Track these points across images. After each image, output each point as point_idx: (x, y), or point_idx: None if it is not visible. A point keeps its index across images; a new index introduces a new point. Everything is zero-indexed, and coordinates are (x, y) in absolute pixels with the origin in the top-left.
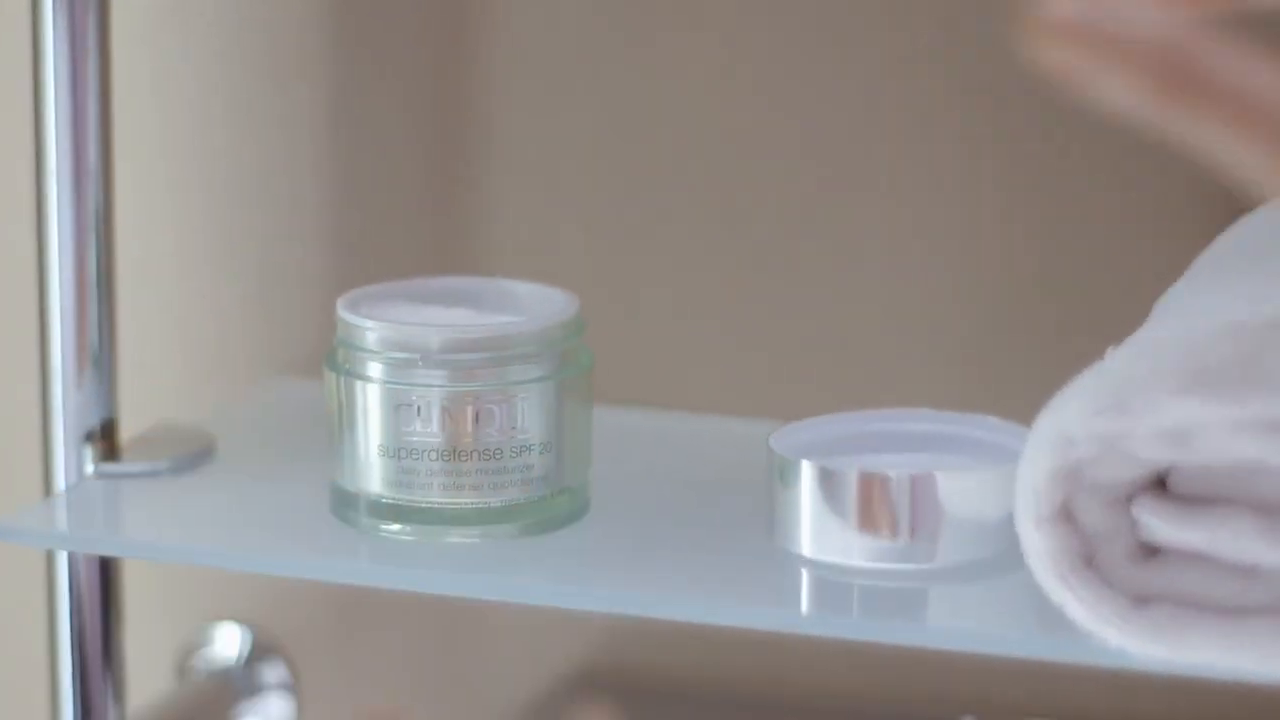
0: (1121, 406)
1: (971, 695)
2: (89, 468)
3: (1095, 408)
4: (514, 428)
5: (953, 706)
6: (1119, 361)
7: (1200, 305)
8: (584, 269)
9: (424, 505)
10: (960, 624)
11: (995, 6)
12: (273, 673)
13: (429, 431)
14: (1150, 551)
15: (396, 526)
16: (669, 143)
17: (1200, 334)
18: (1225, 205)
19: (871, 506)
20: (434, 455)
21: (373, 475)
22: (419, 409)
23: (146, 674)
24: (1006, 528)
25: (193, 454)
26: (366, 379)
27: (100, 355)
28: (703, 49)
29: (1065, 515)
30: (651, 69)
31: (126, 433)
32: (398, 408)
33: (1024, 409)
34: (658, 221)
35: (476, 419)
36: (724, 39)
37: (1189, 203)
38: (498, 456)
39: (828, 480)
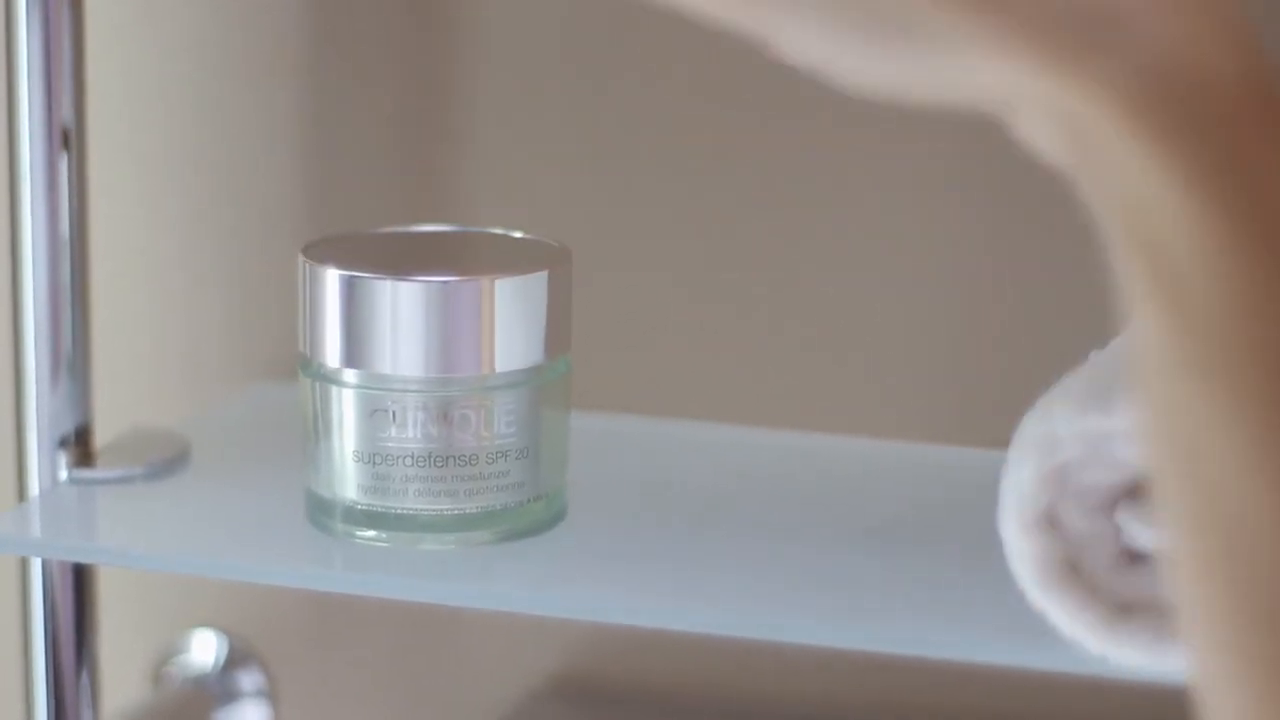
0: (1105, 407)
1: (947, 703)
2: (63, 474)
3: (1081, 408)
4: (490, 433)
5: (927, 714)
6: (1102, 364)
7: None
8: None
9: (399, 511)
10: (938, 635)
11: None
12: (249, 679)
13: (404, 437)
14: (1133, 559)
15: (372, 533)
16: (643, 153)
17: None
18: None
19: None
20: (409, 461)
21: (348, 481)
22: (394, 414)
23: (122, 681)
24: None
25: (167, 460)
26: (341, 384)
27: (74, 361)
28: (680, 60)
29: (1050, 521)
30: (625, 84)
31: (101, 438)
32: (373, 413)
33: (1010, 412)
34: (634, 227)
35: (452, 424)
36: (704, 43)
37: None
38: (473, 462)
39: None
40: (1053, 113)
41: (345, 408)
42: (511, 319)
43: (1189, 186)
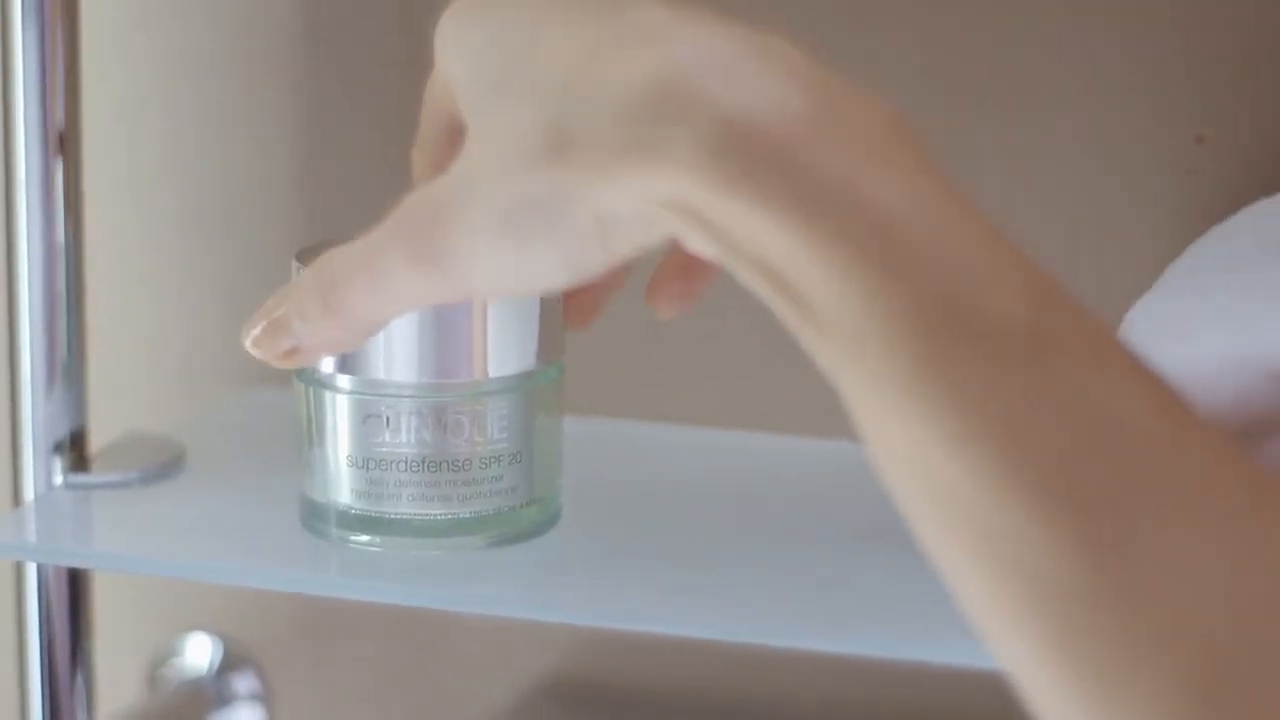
0: None
1: (947, 708)
2: (58, 478)
3: None
4: (483, 438)
5: (923, 717)
6: None
7: (1172, 313)
8: None
9: (393, 516)
10: (935, 639)
11: (983, 9)
12: (243, 683)
13: (398, 442)
14: None
15: (366, 538)
16: None
17: (1169, 351)
18: (1201, 215)
19: None
20: (403, 466)
21: (342, 486)
22: (388, 419)
23: (117, 684)
24: None
25: (162, 464)
26: (335, 389)
27: (70, 365)
28: None
29: None
30: None
31: (96, 443)
32: (366, 418)
33: None
34: None
35: (445, 429)
36: None
37: (1163, 211)
38: (467, 467)
39: None
40: (652, 206)
41: (339, 413)
42: (504, 325)
43: (790, 219)
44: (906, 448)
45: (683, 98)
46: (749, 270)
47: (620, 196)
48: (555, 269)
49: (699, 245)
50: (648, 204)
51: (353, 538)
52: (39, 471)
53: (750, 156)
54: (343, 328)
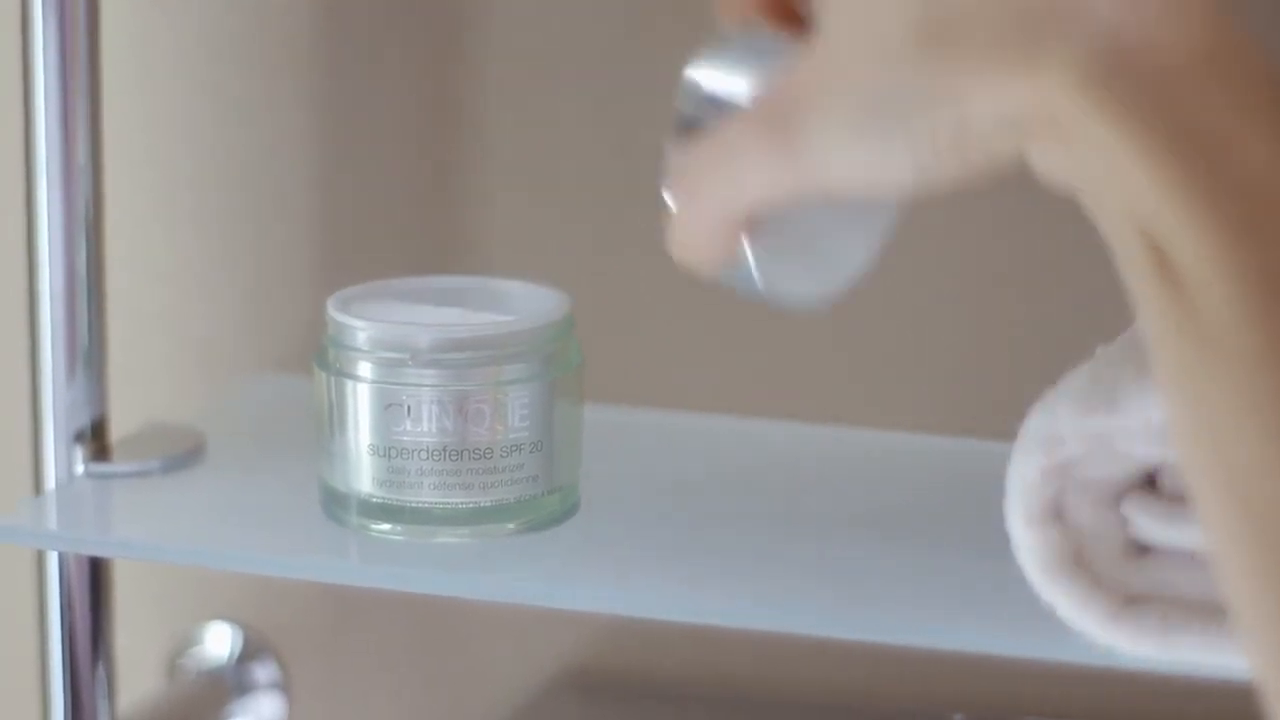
0: (1111, 405)
1: (962, 694)
2: (79, 467)
3: (1085, 407)
4: (504, 427)
5: (943, 705)
6: (1108, 360)
7: None
8: (574, 268)
9: (414, 505)
10: (949, 626)
11: None
12: (263, 672)
13: (419, 431)
14: (1140, 551)
15: (387, 526)
16: (660, 141)
17: None
18: None
19: None
20: (424, 455)
21: (363, 474)
22: (409, 408)
23: (137, 673)
24: None
25: (183, 453)
26: (357, 378)
27: (90, 355)
28: (696, 46)
29: (1056, 514)
30: (644, 65)
31: (116, 432)
32: (388, 407)
33: (1017, 407)
34: (649, 219)
35: (467, 418)
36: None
37: None
38: (488, 456)
39: None
40: (1019, 115)
41: (360, 402)
42: None
43: (1158, 164)
44: (1238, 444)
45: (1070, 6)
46: (1100, 200)
47: (989, 99)
48: (906, 170)
49: (1053, 165)
50: (1016, 110)
51: (374, 526)
52: (60, 460)
53: (1134, 80)
54: (706, 220)
